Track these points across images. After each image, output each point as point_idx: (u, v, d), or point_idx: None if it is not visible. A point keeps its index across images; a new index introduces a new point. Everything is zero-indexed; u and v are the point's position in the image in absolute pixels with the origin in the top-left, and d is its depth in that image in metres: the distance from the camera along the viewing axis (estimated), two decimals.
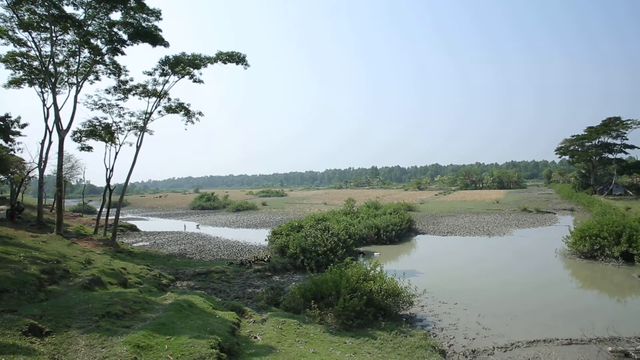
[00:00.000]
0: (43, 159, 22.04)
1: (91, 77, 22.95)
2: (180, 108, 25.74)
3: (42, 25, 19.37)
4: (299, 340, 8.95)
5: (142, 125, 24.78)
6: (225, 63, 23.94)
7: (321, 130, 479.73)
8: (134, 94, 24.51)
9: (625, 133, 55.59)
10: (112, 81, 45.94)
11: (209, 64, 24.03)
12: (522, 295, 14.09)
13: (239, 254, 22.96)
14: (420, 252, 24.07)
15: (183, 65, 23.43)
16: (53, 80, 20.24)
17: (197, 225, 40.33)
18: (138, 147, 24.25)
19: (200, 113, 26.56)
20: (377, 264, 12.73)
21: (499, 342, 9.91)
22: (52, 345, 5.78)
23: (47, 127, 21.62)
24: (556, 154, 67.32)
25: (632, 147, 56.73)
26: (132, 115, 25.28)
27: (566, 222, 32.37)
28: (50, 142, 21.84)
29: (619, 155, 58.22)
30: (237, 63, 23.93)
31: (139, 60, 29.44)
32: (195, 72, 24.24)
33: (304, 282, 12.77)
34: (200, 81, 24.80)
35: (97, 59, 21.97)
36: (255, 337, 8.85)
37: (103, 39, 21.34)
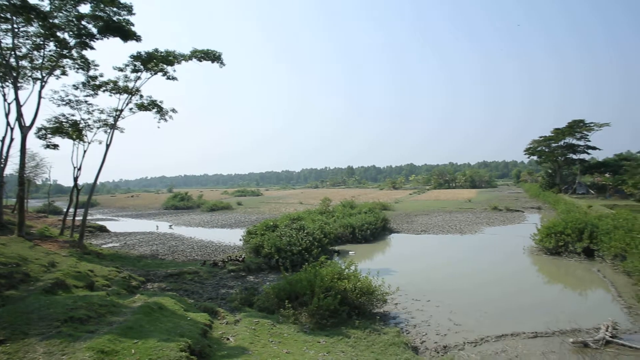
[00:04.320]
0: (3, 157, 20.93)
1: (57, 72, 21.93)
2: (152, 105, 25.03)
3: (1, 15, 18.38)
4: (272, 341, 8.88)
5: (113, 122, 23.95)
6: (200, 61, 23.49)
7: (298, 129, 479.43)
8: (104, 91, 23.61)
9: (588, 135, 58.34)
10: (80, 76, 44.20)
11: (183, 61, 23.51)
12: (492, 292, 14.50)
13: (213, 254, 22.59)
14: (395, 250, 24.39)
15: (156, 61, 22.81)
16: (15, 74, 19.25)
17: (170, 226, 39.43)
18: (108, 146, 23.43)
19: (173, 110, 25.93)
20: (351, 262, 12.81)
21: (470, 337, 10.16)
22: (6, 355, 5.46)
23: (8, 124, 20.51)
24: (525, 154, 69.88)
25: (594, 148, 59.71)
26: (101, 112, 24.36)
27: (533, 220, 33.54)
28: (11, 139, 20.73)
29: (582, 156, 61.11)
30: (213, 61, 23.52)
31: (110, 55, 28.50)
32: (169, 69, 23.65)
33: (279, 282, 12.70)
34: (173, 78, 24.20)
35: (64, 53, 21.02)
36: (228, 339, 8.72)
37: (71, 32, 20.44)
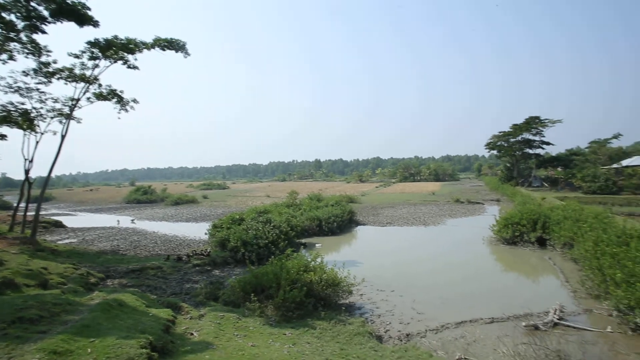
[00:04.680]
0: None
1: (4, 56, 20.42)
2: (112, 95, 23.92)
3: None
4: (237, 335, 8.83)
5: (69, 112, 22.71)
6: (163, 50, 22.66)
7: (265, 121, 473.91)
8: (58, 78, 22.23)
9: (543, 131, 61.54)
10: (31, 62, 41.51)
11: (145, 50, 22.56)
12: (453, 281, 15.06)
13: (177, 249, 22.06)
14: (361, 242, 24.79)
15: (115, 49, 21.77)
16: None
17: (133, 220, 38.08)
18: (63, 136, 22.22)
19: (134, 100, 24.89)
20: (317, 255, 12.90)
21: (431, 325, 10.54)
22: None
23: None
24: (486, 148, 72.71)
25: (548, 143, 63.19)
26: (55, 101, 22.98)
27: (493, 212, 35.04)
28: None
29: (537, 151, 64.56)
30: (177, 51, 22.77)
31: (67, 41, 26.92)
32: (130, 57, 22.63)
33: (245, 276, 12.60)
34: (135, 67, 23.19)
35: (11, 36, 19.62)
36: (192, 334, 8.59)
37: (19, 14, 19.08)
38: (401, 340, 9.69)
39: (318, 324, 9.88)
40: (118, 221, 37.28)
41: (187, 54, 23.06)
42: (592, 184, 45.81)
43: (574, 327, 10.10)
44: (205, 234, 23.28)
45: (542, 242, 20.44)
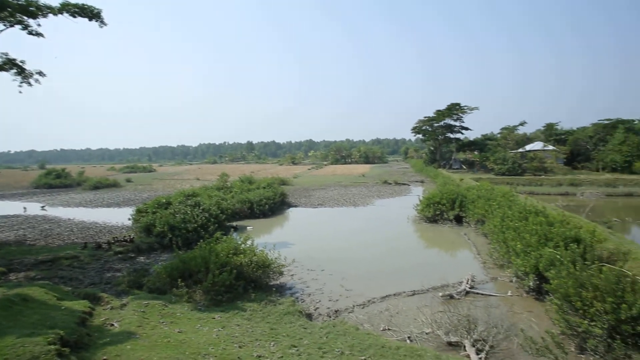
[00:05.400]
0: None
1: None
2: (10, 65, 20.96)
3: None
4: (163, 322, 8.52)
5: None
6: (74, 17, 20.20)
7: (194, 101, 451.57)
8: None
9: (462, 117, 66.52)
10: None
11: (50, 15, 19.95)
12: (380, 257, 15.92)
13: (97, 236, 20.43)
14: (292, 224, 25.04)
15: (11, 10, 18.99)
16: None
17: (43, 207, 34.32)
18: None
19: (40, 73, 22.02)
20: (247, 237, 12.80)
21: (358, 301, 11.09)
22: None
23: None
24: (412, 132, 76.86)
25: (467, 128, 68.68)
26: None
27: (417, 192, 37.39)
28: None
29: (457, 135, 69.79)
30: (90, 19, 20.45)
31: None
32: (32, 22, 19.90)
33: (171, 261, 12.11)
34: (38, 34, 20.46)
35: None
36: (112, 325, 8.10)
37: None
38: (330, 317, 10.07)
39: (248, 306, 9.88)
40: (25, 208, 33.37)
41: (102, 23, 20.84)
42: (502, 166, 50.84)
43: (482, 294, 11.35)
44: (129, 219, 21.82)
45: (459, 220, 22.33)
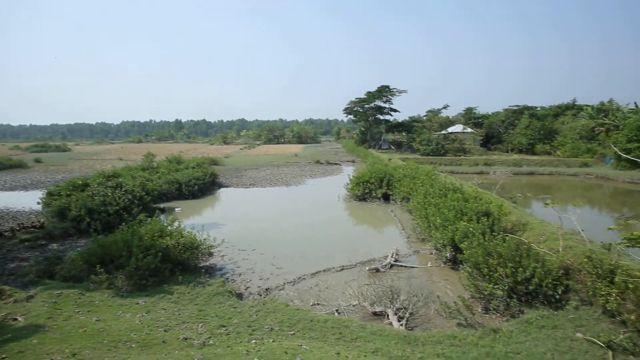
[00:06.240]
0: None
1: None
2: None
3: None
4: (79, 311, 7.92)
5: None
6: None
7: (116, 72, 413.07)
8: None
9: (391, 99, 69.13)
10: None
11: None
12: (311, 236, 16.24)
13: None
14: (223, 204, 24.45)
15: None
16: None
17: None
18: None
19: None
20: (174, 219, 12.26)
21: (289, 278, 11.26)
22: None
23: None
24: (344, 113, 78.32)
25: (395, 110, 71.69)
26: None
27: (348, 172, 38.18)
28: None
29: (387, 117, 72.55)
30: None
31: None
32: None
33: (89, 247, 11.20)
34: None
35: None
36: (15, 319, 7.33)
37: None
38: (260, 295, 10.11)
39: (175, 289, 9.54)
40: None
41: None
42: (427, 147, 54.18)
43: (405, 266, 12.16)
44: (38, 203, 19.63)
45: (386, 198, 23.47)
